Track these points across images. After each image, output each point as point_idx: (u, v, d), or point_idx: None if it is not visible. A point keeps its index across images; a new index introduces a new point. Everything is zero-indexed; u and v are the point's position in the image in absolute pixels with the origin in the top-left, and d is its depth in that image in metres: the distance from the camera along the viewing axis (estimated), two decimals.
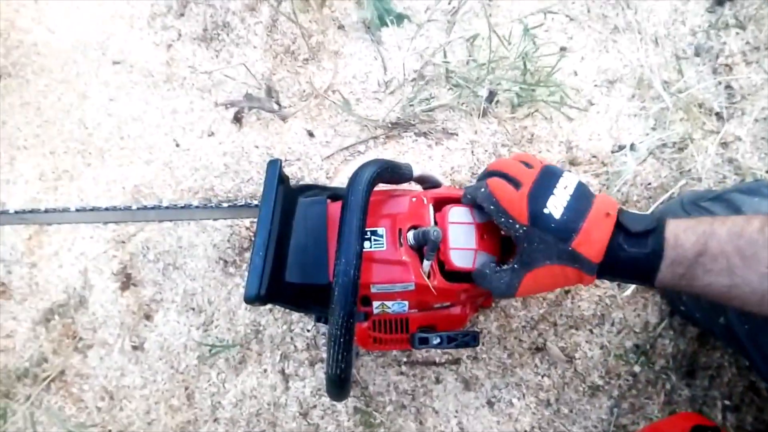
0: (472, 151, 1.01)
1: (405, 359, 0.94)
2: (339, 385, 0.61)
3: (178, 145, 1.06)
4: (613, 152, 1.01)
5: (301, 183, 0.84)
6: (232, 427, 0.95)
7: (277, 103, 0.96)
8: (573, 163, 1.00)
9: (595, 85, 1.05)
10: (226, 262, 1.00)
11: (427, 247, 0.65)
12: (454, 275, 0.70)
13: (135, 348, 1.01)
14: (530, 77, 1.01)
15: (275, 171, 0.67)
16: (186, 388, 0.97)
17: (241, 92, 1.02)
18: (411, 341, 0.75)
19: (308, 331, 0.96)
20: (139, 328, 1.01)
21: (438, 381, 0.94)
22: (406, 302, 0.72)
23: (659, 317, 0.93)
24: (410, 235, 0.68)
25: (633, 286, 0.94)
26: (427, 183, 0.81)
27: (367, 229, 0.68)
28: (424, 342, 0.75)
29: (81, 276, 1.05)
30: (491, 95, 1.01)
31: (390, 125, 1.02)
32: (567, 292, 0.96)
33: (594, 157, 1.00)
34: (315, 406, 0.95)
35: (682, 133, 1.00)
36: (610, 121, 1.02)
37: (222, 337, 0.98)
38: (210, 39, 1.09)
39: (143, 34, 1.11)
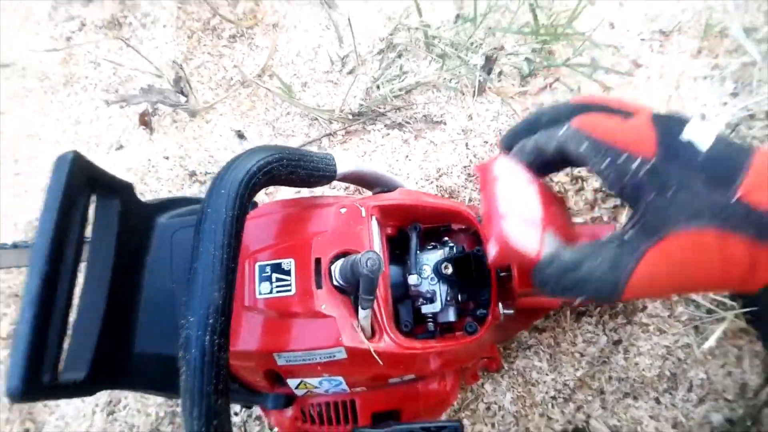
0: (467, 144, 0.82)
1: None
2: None
3: None
4: None
5: (163, 197, 0.61)
6: None
7: (183, 92, 0.75)
8: None
9: (642, 39, 0.86)
10: None
11: (361, 285, 0.46)
12: (415, 329, 0.53)
13: None
14: (545, 32, 0.82)
15: (63, 173, 0.44)
16: None
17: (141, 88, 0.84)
18: None
19: (236, 414, 0.77)
20: (35, 410, 0.86)
21: None
22: (341, 378, 0.52)
23: (763, 377, 0.72)
24: (336, 267, 0.49)
25: (719, 331, 0.71)
26: (375, 185, 0.60)
27: (264, 263, 0.51)
28: None
29: None
30: (490, 63, 0.83)
31: (350, 116, 0.85)
32: (617, 343, 0.75)
33: None
34: None
35: None
36: (668, 88, 0.83)
37: (131, 422, 0.81)
38: (118, 24, 0.93)
39: (40, 29, 0.97)
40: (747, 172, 0.40)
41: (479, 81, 0.84)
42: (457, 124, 0.85)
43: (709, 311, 0.74)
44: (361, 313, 0.47)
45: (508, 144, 0.51)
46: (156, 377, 0.54)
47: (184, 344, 0.40)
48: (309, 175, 0.50)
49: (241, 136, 0.85)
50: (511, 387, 0.74)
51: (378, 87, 0.86)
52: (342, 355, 0.48)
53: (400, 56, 0.88)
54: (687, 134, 0.42)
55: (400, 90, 0.86)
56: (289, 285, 0.49)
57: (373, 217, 0.53)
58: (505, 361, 0.75)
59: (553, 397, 0.74)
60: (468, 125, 0.84)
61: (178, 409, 0.80)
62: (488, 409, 0.74)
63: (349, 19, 0.81)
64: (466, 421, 0.73)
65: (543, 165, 0.48)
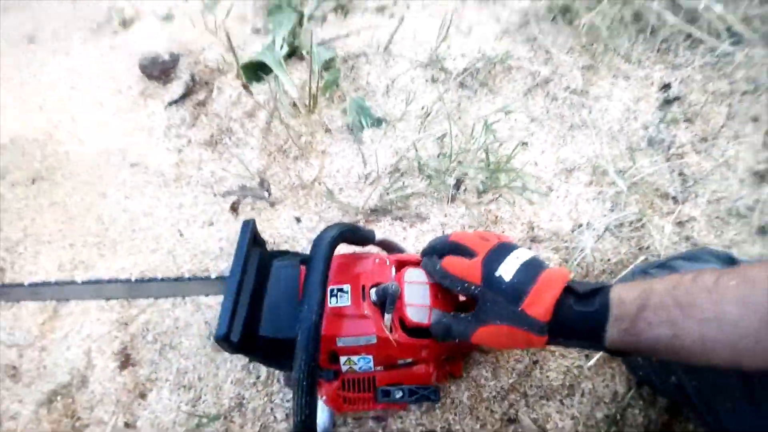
0: (443, 232, 1.12)
1: None
2: (306, 430, 0.64)
3: (181, 235, 1.19)
4: (572, 231, 1.12)
5: (276, 249, 0.97)
6: None
7: (268, 191, 1.13)
8: (535, 240, 1.11)
9: (555, 174, 1.18)
10: None
11: (387, 301, 0.72)
12: (414, 333, 0.76)
13: (127, 425, 1.07)
14: (494, 167, 1.16)
15: (248, 230, 0.81)
16: None
17: (239, 186, 1.20)
18: (375, 396, 0.82)
19: (287, 401, 1.00)
20: (133, 407, 1.09)
21: None
22: (371, 357, 0.78)
23: (627, 387, 0.95)
24: (373, 291, 0.75)
25: (598, 355, 0.99)
26: (393, 249, 0.94)
27: (333, 287, 0.76)
28: (387, 395, 0.81)
29: (85, 356, 1.15)
30: (458, 183, 1.15)
31: (369, 211, 1.14)
32: (535, 362, 1.01)
33: (555, 234, 1.11)
34: None
35: (638, 213, 1.09)
36: (570, 205, 1.14)
37: (208, 411, 1.05)
38: (215, 143, 1.28)
39: (159, 142, 1.32)
40: (528, 295, 0.64)
41: (452, 194, 1.12)
42: (437, 220, 1.12)
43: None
44: (386, 317, 0.72)
45: (422, 256, 0.81)
46: (269, 353, 0.78)
47: (302, 320, 0.65)
48: (362, 239, 0.83)
49: (298, 220, 1.13)
50: (467, 388, 0.95)
51: (388, 194, 1.14)
52: (374, 340, 0.73)
53: (402, 176, 1.17)
54: (499, 271, 0.67)
55: (401, 197, 1.14)
56: (347, 299, 0.75)
57: (393, 266, 0.79)
58: (465, 371, 0.95)
59: (494, 396, 0.94)
60: (444, 221, 1.12)
61: (245, 402, 1.03)
62: (452, 402, 0.94)
63: (376, 152, 1.15)
64: (437, 411, 0.96)
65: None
